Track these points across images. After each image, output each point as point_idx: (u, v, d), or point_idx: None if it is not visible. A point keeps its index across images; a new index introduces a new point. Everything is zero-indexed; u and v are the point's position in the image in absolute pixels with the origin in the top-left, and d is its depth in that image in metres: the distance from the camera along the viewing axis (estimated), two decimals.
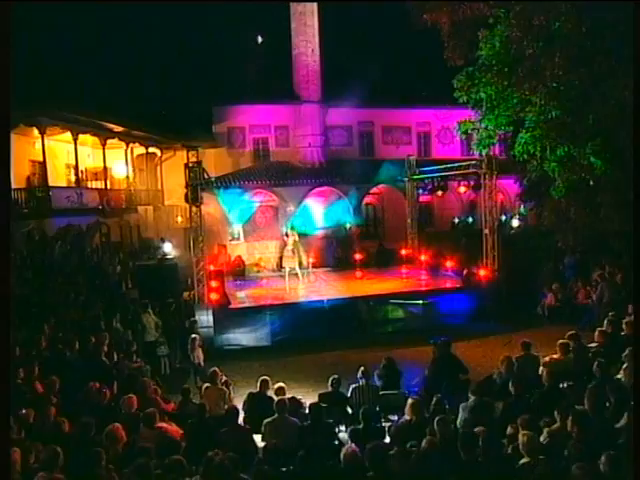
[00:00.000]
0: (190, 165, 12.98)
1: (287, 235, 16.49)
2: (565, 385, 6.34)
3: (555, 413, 4.96)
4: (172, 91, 24.85)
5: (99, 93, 21.40)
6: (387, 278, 17.37)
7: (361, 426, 6.00)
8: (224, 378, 7.83)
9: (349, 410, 7.28)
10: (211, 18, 26.62)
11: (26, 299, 12.22)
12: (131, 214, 21.87)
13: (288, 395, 7.32)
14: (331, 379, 7.23)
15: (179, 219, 23.36)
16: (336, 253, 20.52)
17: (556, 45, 9.76)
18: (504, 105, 11.43)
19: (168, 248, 13.26)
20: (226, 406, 7.64)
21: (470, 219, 24.28)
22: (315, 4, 24.25)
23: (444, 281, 16.27)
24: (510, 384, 6.25)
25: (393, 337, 13.05)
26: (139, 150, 23.69)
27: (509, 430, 5.05)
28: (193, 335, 10.36)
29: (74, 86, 21.11)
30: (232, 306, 13.39)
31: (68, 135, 18.69)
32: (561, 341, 7.72)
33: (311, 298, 14.44)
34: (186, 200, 13.20)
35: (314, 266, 19.09)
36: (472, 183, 15.30)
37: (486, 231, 15.09)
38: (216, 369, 7.83)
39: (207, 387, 7.63)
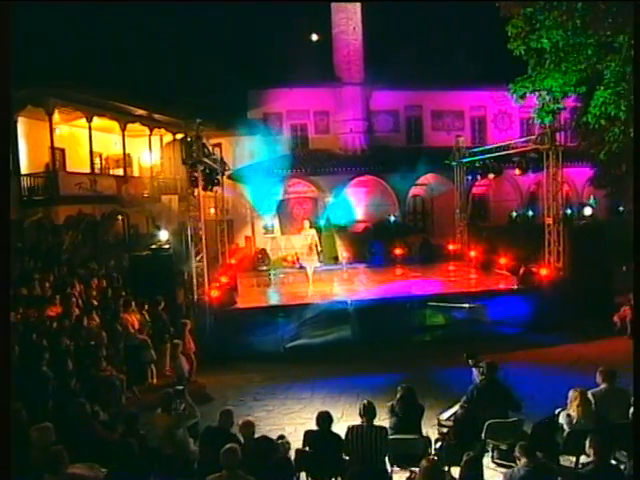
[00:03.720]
0: (188, 140, 10.99)
1: (304, 229, 14.74)
2: None
3: None
4: (204, 75, 23.26)
5: (120, 77, 19.93)
6: (430, 276, 15.03)
7: None
8: (182, 405, 5.79)
9: (345, 457, 5.11)
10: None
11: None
12: (155, 204, 20.39)
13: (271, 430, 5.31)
14: (317, 415, 5.06)
15: (212, 210, 21.72)
16: (375, 248, 18.33)
17: None
18: (575, 56, 8.92)
19: (164, 236, 11.41)
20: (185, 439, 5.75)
21: (530, 212, 21.48)
22: None
23: (496, 281, 13.74)
24: (588, 440, 3.92)
25: (430, 349, 10.77)
26: (168, 137, 22.29)
27: None
28: (175, 341, 8.48)
29: (93, 69, 19.79)
30: (238, 306, 11.45)
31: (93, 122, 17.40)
32: None
33: (335, 298, 12.34)
34: (191, 183, 11.27)
35: (349, 262, 17.23)
36: (531, 164, 12.55)
37: (549, 220, 12.41)
38: (170, 391, 5.87)
39: (157, 414, 5.68)
